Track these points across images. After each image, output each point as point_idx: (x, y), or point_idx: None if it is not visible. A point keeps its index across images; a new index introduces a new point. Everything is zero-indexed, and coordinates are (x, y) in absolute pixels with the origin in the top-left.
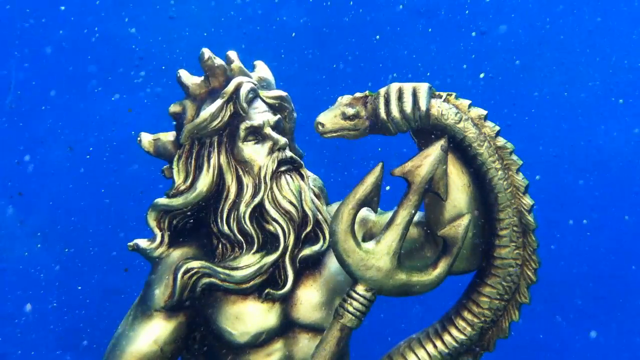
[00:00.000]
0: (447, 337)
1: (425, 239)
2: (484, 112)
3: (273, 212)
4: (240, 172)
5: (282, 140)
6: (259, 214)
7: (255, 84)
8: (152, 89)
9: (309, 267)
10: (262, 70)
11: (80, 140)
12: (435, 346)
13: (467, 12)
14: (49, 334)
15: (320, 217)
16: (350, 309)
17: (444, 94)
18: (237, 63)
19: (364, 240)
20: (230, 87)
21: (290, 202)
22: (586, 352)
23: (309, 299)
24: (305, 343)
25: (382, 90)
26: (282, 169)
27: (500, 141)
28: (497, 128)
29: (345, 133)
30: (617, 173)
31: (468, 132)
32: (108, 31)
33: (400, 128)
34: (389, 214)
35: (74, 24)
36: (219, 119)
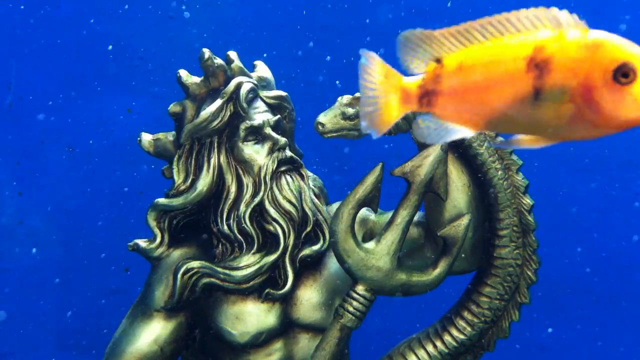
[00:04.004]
0: (447, 337)
1: (426, 239)
2: None
3: (273, 212)
4: (240, 172)
5: (282, 140)
6: (259, 214)
7: (255, 84)
8: (152, 89)
9: (309, 267)
10: (262, 70)
11: (80, 140)
12: (435, 346)
13: (466, 12)
14: (49, 334)
15: (320, 217)
16: (350, 309)
17: None
18: (237, 63)
19: (364, 240)
20: (230, 87)
21: (290, 202)
22: (587, 353)
23: (309, 299)
24: (305, 343)
25: None
26: (282, 169)
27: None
28: None
29: (345, 133)
30: (617, 173)
31: None
32: (108, 31)
33: (400, 128)
34: (389, 214)
35: (73, 24)
36: (219, 119)
